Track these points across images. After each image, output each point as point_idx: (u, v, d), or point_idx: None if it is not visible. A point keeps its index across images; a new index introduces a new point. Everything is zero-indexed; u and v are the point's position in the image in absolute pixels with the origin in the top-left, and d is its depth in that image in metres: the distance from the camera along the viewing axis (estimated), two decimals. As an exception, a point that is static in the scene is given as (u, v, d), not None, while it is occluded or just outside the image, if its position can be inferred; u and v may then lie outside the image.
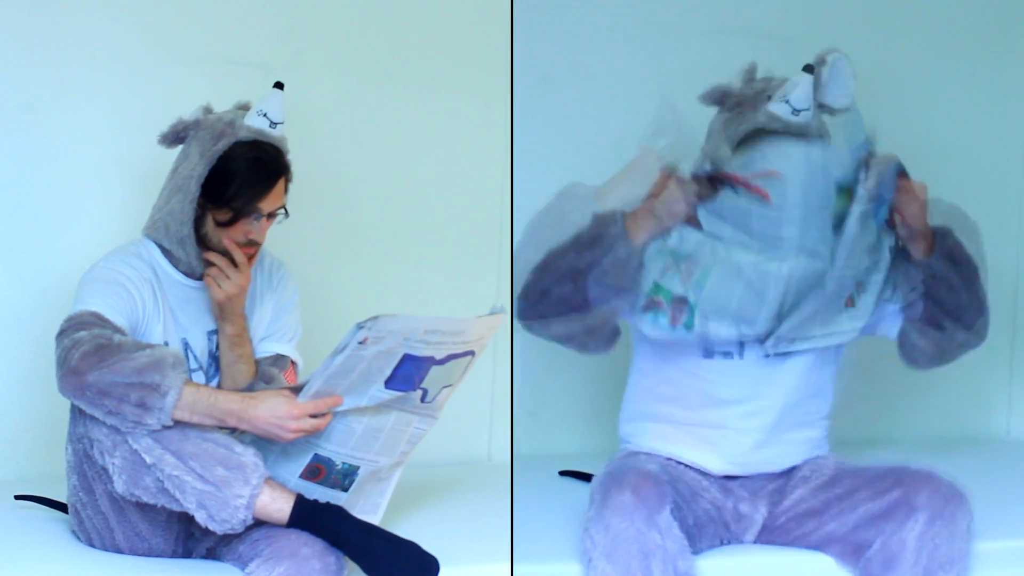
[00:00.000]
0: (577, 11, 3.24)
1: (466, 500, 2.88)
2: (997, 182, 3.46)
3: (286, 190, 2.62)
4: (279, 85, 2.64)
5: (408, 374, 2.39)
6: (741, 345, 2.59)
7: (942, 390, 3.42)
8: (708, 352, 2.60)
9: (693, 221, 2.55)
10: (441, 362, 2.40)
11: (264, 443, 2.47)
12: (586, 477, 2.87)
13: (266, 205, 2.58)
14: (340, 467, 2.47)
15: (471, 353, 2.44)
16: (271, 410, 2.38)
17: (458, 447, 3.37)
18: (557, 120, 3.24)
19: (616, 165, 3.26)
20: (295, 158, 3.20)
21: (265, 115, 2.60)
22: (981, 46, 3.41)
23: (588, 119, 3.25)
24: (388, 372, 2.37)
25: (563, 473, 3.02)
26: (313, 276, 2.99)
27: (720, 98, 2.58)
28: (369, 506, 2.53)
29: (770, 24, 3.26)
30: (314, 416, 2.40)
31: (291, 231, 3.14)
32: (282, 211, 2.62)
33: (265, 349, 2.72)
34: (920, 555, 2.41)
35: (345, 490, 2.49)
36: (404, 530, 2.49)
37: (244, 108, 2.64)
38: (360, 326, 2.31)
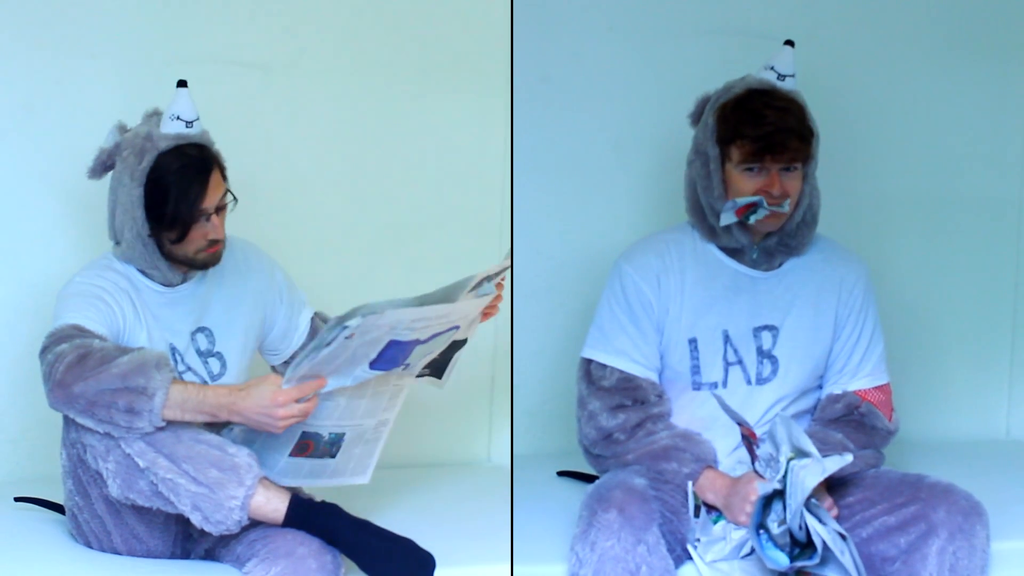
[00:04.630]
0: (577, 11, 3.23)
1: (466, 500, 2.87)
2: (996, 182, 3.45)
3: (225, 179, 2.60)
4: (183, 83, 2.62)
5: (393, 356, 2.39)
6: (725, 374, 2.65)
7: (942, 390, 3.42)
8: (697, 385, 2.66)
9: None
10: (425, 341, 2.40)
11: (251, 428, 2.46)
12: (585, 477, 2.87)
13: (209, 202, 2.56)
14: (327, 438, 2.47)
15: (455, 327, 2.44)
16: (258, 400, 2.36)
17: (458, 447, 3.37)
18: (557, 120, 3.24)
19: (616, 165, 3.28)
20: (296, 157, 3.21)
21: (178, 117, 2.58)
22: (980, 46, 3.40)
23: (588, 119, 3.25)
24: (373, 355, 2.38)
25: (562, 473, 3.02)
26: (312, 274, 2.99)
27: None
28: (360, 467, 2.52)
29: (770, 24, 3.25)
30: (301, 401, 2.38)
31: (290, 230, 3.15)
32: (230, 199, 2.60)
33: (306, 318, 2.79)
34: (942, 571, 2.43)
35: (333, 456, 2.48)
36: (404, 530, 2.49)
37: (157, 114, 2.63)
38: (345, 326, 2.30)
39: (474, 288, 2.44)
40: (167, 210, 2.53)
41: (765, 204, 2.56)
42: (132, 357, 2.36)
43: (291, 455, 2.47)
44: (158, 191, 2.53)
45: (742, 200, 2.57)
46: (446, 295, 2.39)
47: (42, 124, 3.04)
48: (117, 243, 2.60)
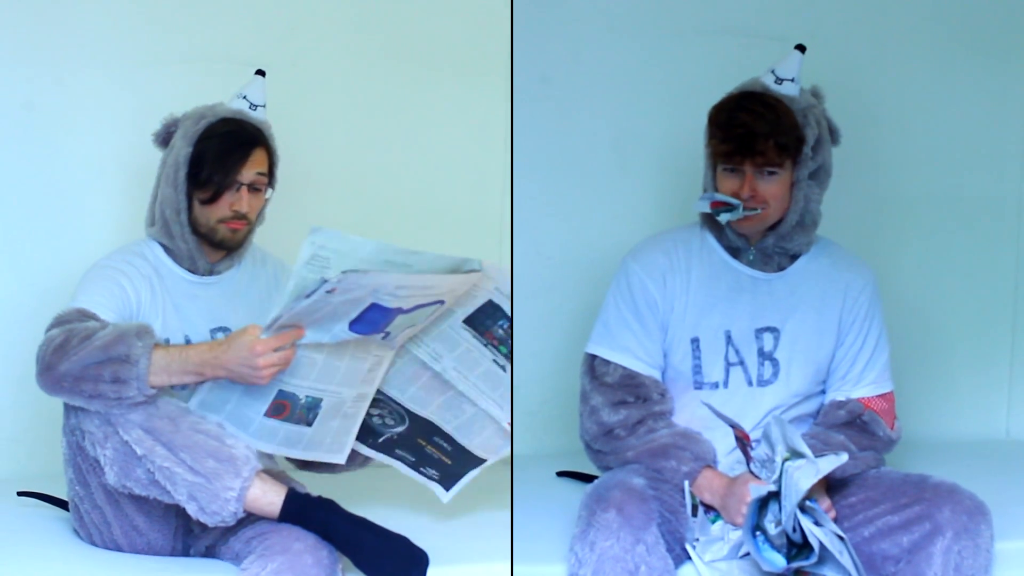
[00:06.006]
0: (576, 11, 3.24)
1: (466, 500, 2.87)
2: (996, 182, 3.45)
3: (271, 168, 2.64)
4: (261, 72, 2.69)
5: (374, 320, 2.39)
6: (727, 374, 2.65)
7: (942, 390, 3.42)
8: (698, 384, 2.66)
9: None
10: (408, 311, 2.40)
11: (226, 383, 2.44)
12: (584, 477, 2.87)
13: (246, 173, 2.59)
14: (304, 401, 2.45)
15: (440, 302, 2.44)
16: (238, 351, 2.36)
17: (458, 447, 3.37)
18: (557, 120, 3.24)
19: (616, 165, 3.28)
20: (295, 156, 3.20)
21: (245, 97, 2.66)
22: (980, 46, 3.40)
23: (588, 119, 3.25)
24: (354, 315, 2.37)
25: (561, 474, 3.02)
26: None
27: None
28: (336, 444, 2.51)
29: (770, 25, 3.26)
30: (281, 351, 2.37)
31: (291, 227, 3.15)
32: (266, 184, 2.63)
33: None
34: (947, 570, 2.43)
35: (309, 424, 2.47)
36: (404, 529, 2.48)
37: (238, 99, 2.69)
38: (326, 280, 2.29)
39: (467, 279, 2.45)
40: (204, 168, 2.57)
41: (741, 209, 2.57)
42: (111, 329, 2.38)
43: (266, 415, 2.45)
44: (203, 153, 2.58)
45: (720, 196, 2.59)
46: (434, 262, 2.38)
47: (42, 124, 3.05)
48: (152, 224, 2.63)
